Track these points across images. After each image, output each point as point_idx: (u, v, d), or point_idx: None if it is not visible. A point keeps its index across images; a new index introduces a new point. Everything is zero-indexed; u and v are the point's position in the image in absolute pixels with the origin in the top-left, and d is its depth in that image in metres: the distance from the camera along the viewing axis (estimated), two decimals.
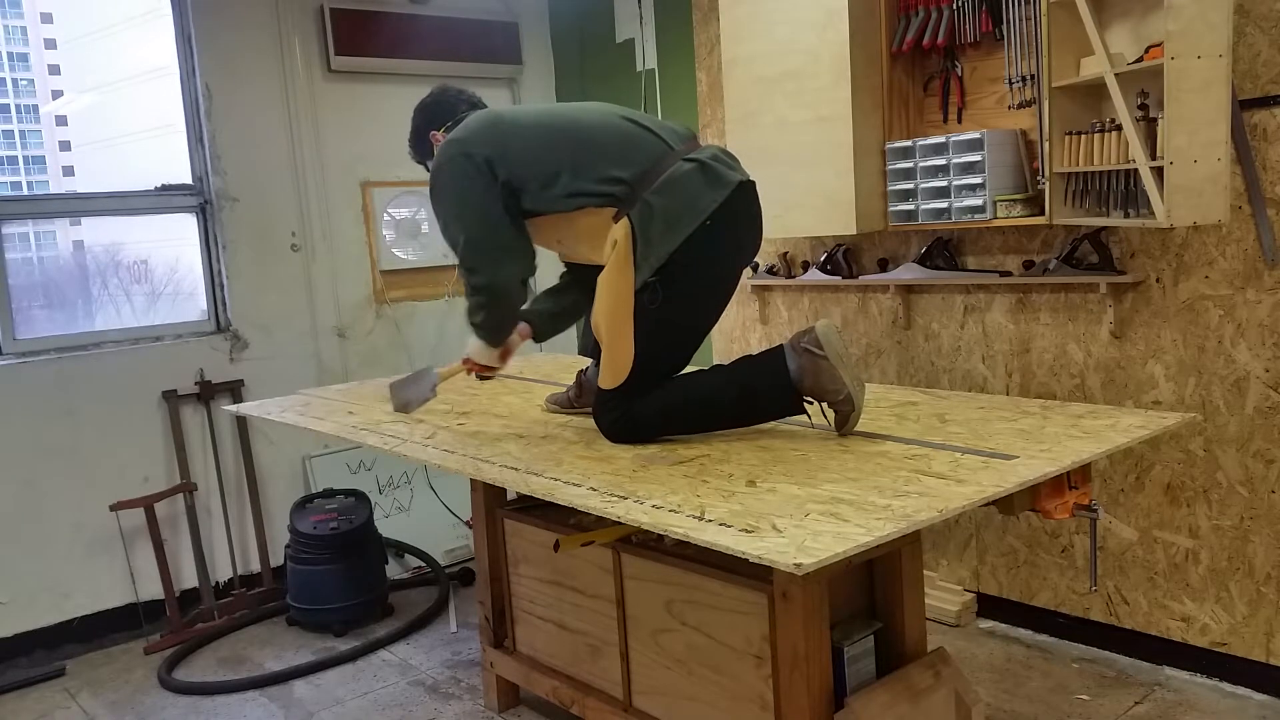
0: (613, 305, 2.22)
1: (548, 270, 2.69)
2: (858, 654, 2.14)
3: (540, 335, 2.60)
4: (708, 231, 2.20)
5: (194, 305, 4.09)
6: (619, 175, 2.23)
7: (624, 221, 2.21)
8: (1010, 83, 3.00)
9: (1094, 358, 3.03)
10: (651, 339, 2.23)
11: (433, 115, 2.55)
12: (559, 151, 2.29)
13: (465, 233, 2.31)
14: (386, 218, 4.45)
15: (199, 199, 4.03)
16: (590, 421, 2.36)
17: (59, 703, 3.34)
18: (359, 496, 3.95)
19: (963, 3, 3.09)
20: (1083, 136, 2.71)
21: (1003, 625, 3.37)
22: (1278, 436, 2.68)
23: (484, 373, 2.59)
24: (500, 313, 2.42)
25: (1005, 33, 2.98)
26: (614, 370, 2.23)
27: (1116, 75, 2.54)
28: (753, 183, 2.31)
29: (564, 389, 2.71)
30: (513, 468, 2.10)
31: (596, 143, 2.29)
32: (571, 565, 2.65)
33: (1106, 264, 2.90)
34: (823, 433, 2.22)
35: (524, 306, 2.50)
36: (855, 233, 3.29)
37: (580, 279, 2.59)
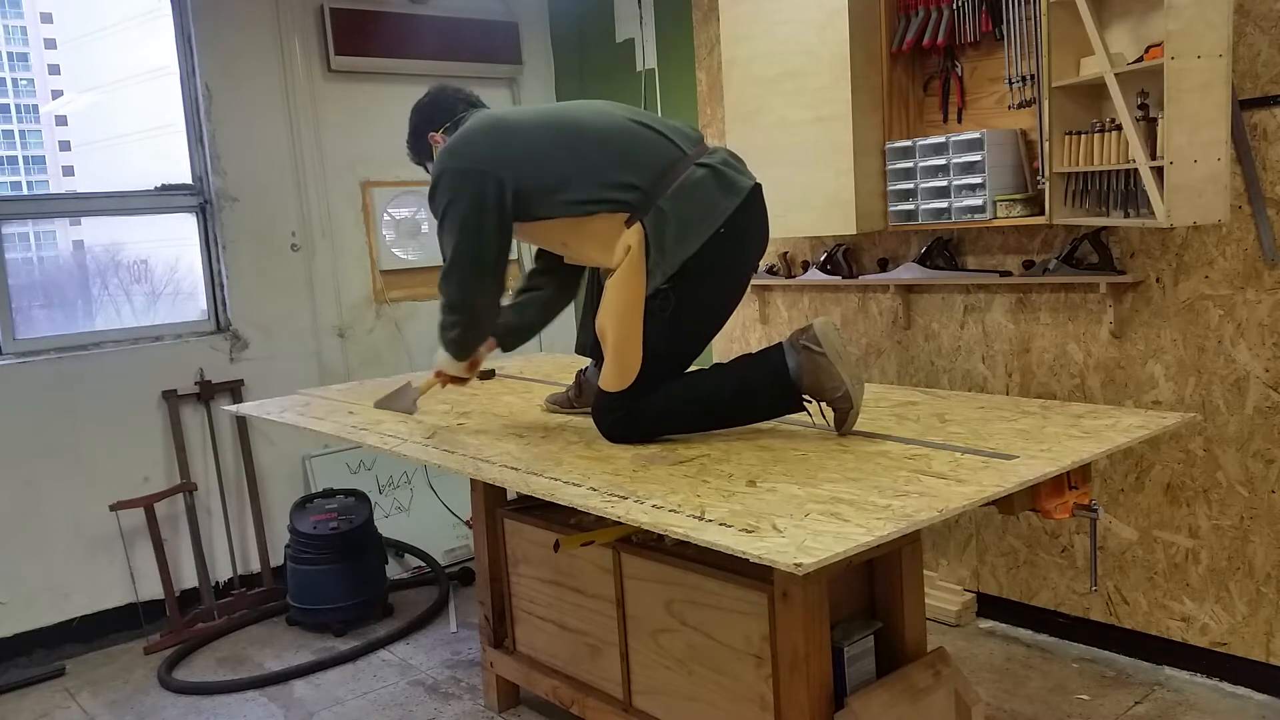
0: (623, 311, 2.21)
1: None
2: (858, 654, 2.15)
3: (504, 348, 2.66)
4: (721, 239, 2.20)
5: (194, 305, 4.09)
6: (631, 181, 2.22)
7: (637, 228, 2.20)
8: (1010, 83, 3.00)
9: (1094, 358, 3.03)
10: (659, 343, 2.22)
11: (431, 116, 2.53)
12: (567, 157, 2.27)
13: (456, 247, 2.29)
14: (386, 217, 4.45)
15: (199, 199, 4.03)
16: (590, 421, 2.36)
17: (59, 703, 3.34)
18: (359, 496, 3.95)
19: (963, 3, 3.09)
20: (1083, 136, 2.71)
21: (1003, 625, 3.37)
22: (1278, 436, 2.68)
23: (456, 384, 2.65)
24: (473, 330, 2.44)
25: (1005, 32, 2.98)
26: (620, 374, 2.23)
27: (1116, 75, 2.54)
28: (760, 186, 2.31)
29: (564, 389, 2.71)
30: (513, 468, 2.10)
31: (605, 147, 2.27)
32: (571, 565, 2.65)
33: (1106, 264, 2.90)
34: (823, 432, 2.22)
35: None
36: (855, 233, 3.29)
37: (558, 276, 2.64)
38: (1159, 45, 2.45)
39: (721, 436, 2.26)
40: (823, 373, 2.12)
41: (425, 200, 2.43)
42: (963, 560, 3.48)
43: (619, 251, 2.22)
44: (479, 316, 2.41)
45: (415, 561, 4.30)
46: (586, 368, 2.63)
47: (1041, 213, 2.90)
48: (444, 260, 2.34)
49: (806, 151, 3.35)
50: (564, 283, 2.69)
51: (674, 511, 1.71)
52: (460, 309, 2.38)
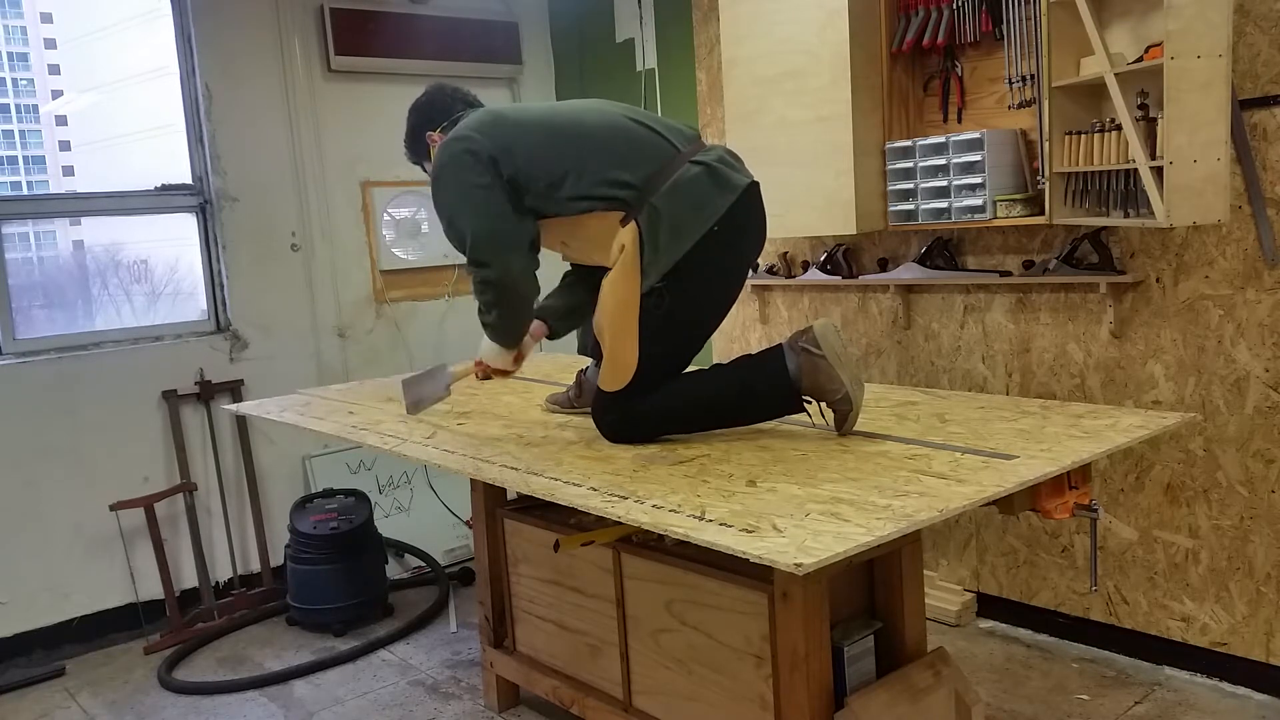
0: (617, 309, 2.21)
1: (553, 268, 2.67)
2: (858, 654, 2.15)
3: (555, 333, 2.56)
4: (715, 237, 2.20)
5: (194, 305, 4.09)
6: (625, 179, 2.21)
7: (631, 226, 2.20)
8: (1010, 82, 3.00)
9: (1094, 358, 3.03)
10: (655, 342, 2.22)
11: (428, 115, 2.52)
12: (563, 153, 2.26)
13: (472, 227, 2.25)
14: (386, 217, 4.45)
15: (199, 199, 4.03)
16: (590, 421, 2.36)
17: (59, 703, 3.34)
18: (359, 496, 3.95)
19: (963, 3, 3.09)
20: (1083, 136, 2.71)
21: (1003, 625, 3.37)
22: (1278, 436, 2.68)
23: (496, 376, 2.53)
24: (513, 308, 2.34)
25: (1005, 32, 2.98)
26: (617, 373, 2.23)
27: (1116, 75, 2.54)
28: (757, 184, 2.30)
29: (564, 389, 2.71)
30: (513, 468, 2.10)
31: (602, 144, 2.27)
32: (571, 565, 2.65)
33: (1106, 264, 2.90)
34: (823, 432, 2.22)
35: (535, 304, 2.44)
36: (855, 233, 3.29)
37: (585, 278, 2.56)
38: (1159, 45, 2.45)
39: (721, 436, 2.26)
40: (822, 375, 2.12)
41: (425, 200, 2.42)
42: (963, 560, 3.48)
43: (614, 250, 2.22)
44: (515, 288, 2.30)
45: (415, 561, 4.30)
46: (587, 368, 2.63)
47: (1041, 213, 2.90)
48: (464, 248, 2.28)
49: (806, 151, 3.35)
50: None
51: (674, 511, 1.71)
52: (493, 284, 2.28)
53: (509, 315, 2.35)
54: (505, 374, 2.51)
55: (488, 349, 2.44)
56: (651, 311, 2.21)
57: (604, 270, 2.31)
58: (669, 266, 2.19)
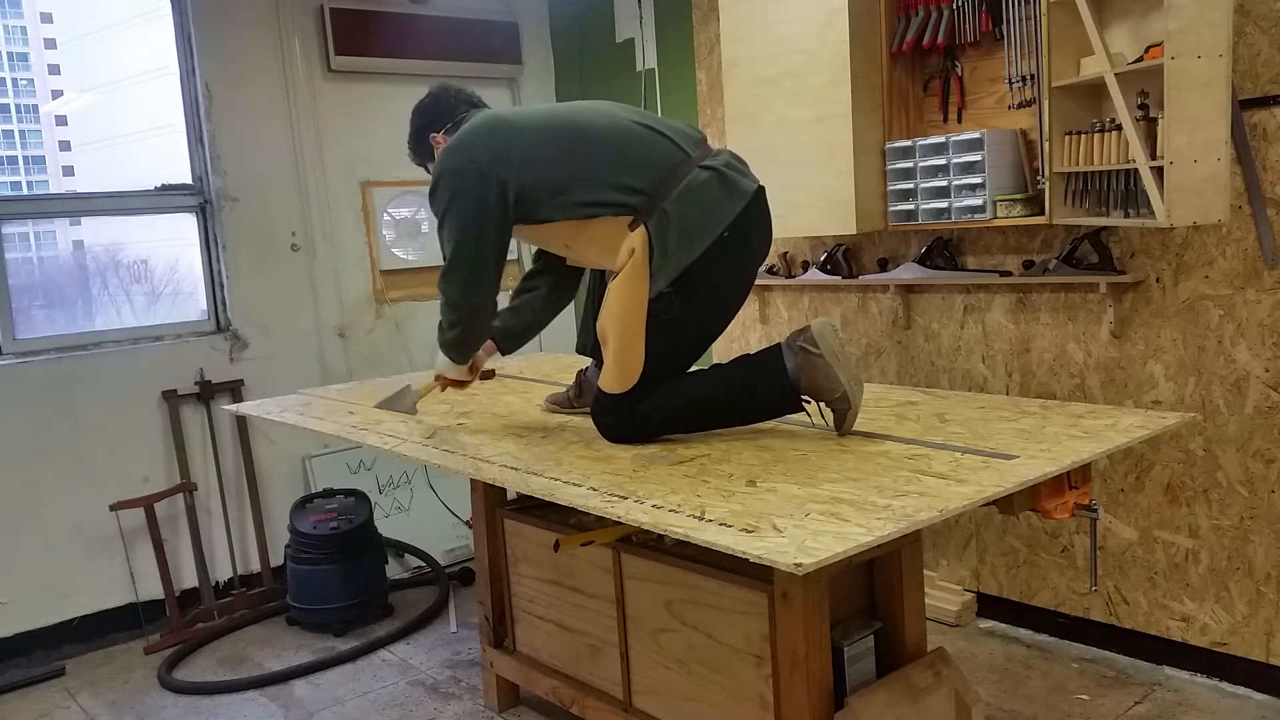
0: (625, 313, 2.21)
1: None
2: (858, 654, 2.15)
3: (504, 351, 2.67)
4: (725, 243, 2.20)
5: (194, 305, 4.09)
6: (635, 184, 2.21)
7: (640, 231, 2.19)
8: (1010, 82, 3.00)
9: (1094, 357, 3.03)
10: (661, 346, 2.22)
11: (432, 117, 2.52)
12: (569, 159, 2.26)
13: (455, 248, 2.30)
14: (386, 217, 4.45)
15: (199, 199, 4.03)
16: (590, 421, 2.36)
17: (59, 703, 3.34)
18: (359, 496, 3.95)
19: (963, 3, 3.09)
20: (1083, 136, 2.71)
21: (1003, 625, 3.37)
22: (1278, 436, 2.68)
23: (454, 387, 2.65)
24: (472, 330, 2.44)
25: (1005, 32, 2.98)
26: (622, 376, 2.22)
27: (1116, 75, 2.54)
28: (763, 189, 2.31)
29: (564, 389, 2.71)
30: (513, 468, 2.10)
31: (607, 149, 2.27)
32: (571, 565, 2.65)
33: (1106, 264, 2.90)
34: (822, 432, 2.22)
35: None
36: (855, 232, 3.29)
37: (554, 276, 2.65)
38: (1159, 45, 2.45)
39: (721, 436, 2.26)
40: (820, 374, 2.12)
41: (425, 200, 2.43)
42: (963, 560, 3.48)
43: (622, 254, 2.21)
44: (477, 316, 2.42)
45: (415, 561, 4.30)
46: (587, 368, 2.63)
47: (1041, 213, 2.90)
48: (444, 259, 2.34)
49: (806, 151, 3.35)
50: (560, 283, 2.69)
51: (674, 511, 1.71)
52: (459, 307, 2.38)
53: (466, 335, 2.46)
54: (463, 384, 2.63)
55: (443, 364, 2.54)
56: (659, 316, 2.20)
57: (565, 275, 2.43)
58: (678, 272, 2.19)
